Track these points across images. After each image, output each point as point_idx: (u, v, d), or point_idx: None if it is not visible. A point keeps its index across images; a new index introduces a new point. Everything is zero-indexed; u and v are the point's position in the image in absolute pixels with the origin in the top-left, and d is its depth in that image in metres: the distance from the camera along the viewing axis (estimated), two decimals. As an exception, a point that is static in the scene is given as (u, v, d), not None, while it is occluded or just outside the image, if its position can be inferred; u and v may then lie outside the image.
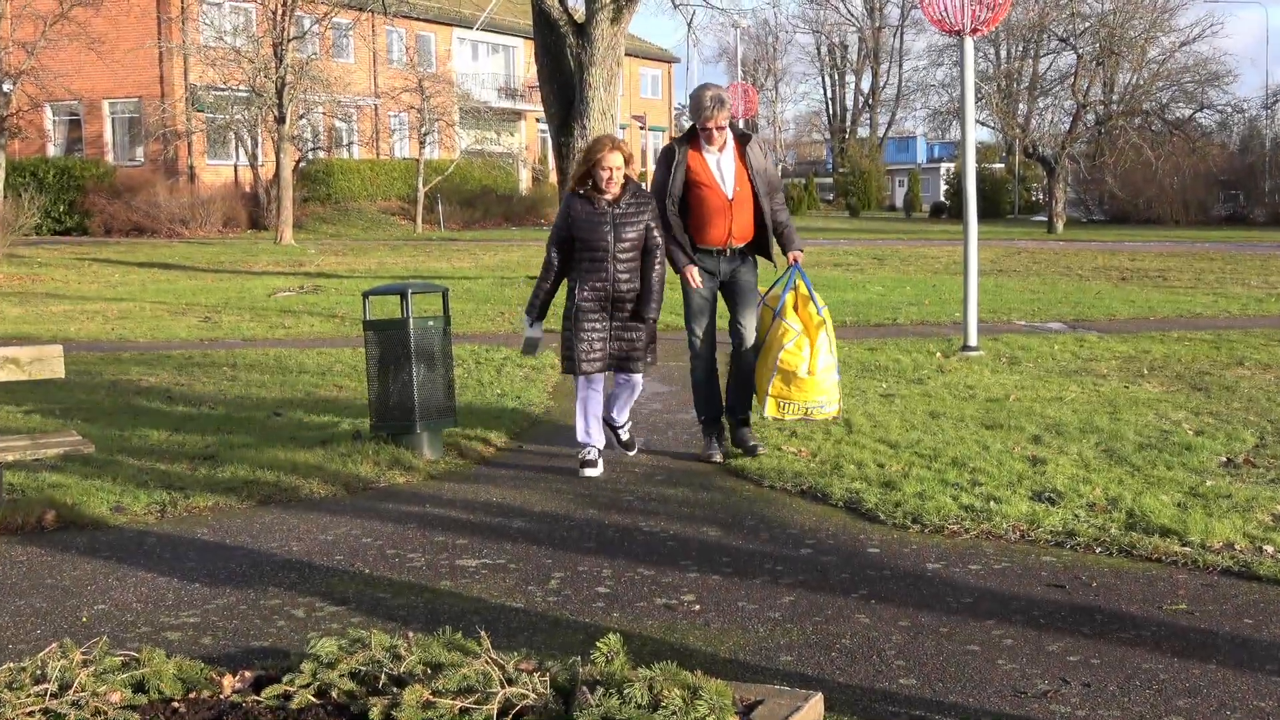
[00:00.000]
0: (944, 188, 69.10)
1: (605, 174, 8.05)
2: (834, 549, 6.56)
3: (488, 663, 3.83)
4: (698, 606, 5.67)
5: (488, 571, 6.24)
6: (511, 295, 20.59)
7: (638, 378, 8.42)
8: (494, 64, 61.76)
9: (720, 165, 8.44)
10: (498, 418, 10.03)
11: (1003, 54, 59.01)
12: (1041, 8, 54.02)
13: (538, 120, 55.54)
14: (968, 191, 13.48)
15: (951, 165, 71.42)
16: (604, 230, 8.06)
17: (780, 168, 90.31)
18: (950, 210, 57.72)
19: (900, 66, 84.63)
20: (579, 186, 8.20)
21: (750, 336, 8.61)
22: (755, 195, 8.46)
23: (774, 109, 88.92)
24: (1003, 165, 64.75)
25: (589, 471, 8.29)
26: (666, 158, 8.55)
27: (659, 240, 8.21)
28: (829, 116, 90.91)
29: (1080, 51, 52.30)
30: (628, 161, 8.15)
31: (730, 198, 8.40)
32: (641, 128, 63.37)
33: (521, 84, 59.63)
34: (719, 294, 8.74)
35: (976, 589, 5.85)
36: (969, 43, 13.13)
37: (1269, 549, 6.18)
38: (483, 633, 4.01)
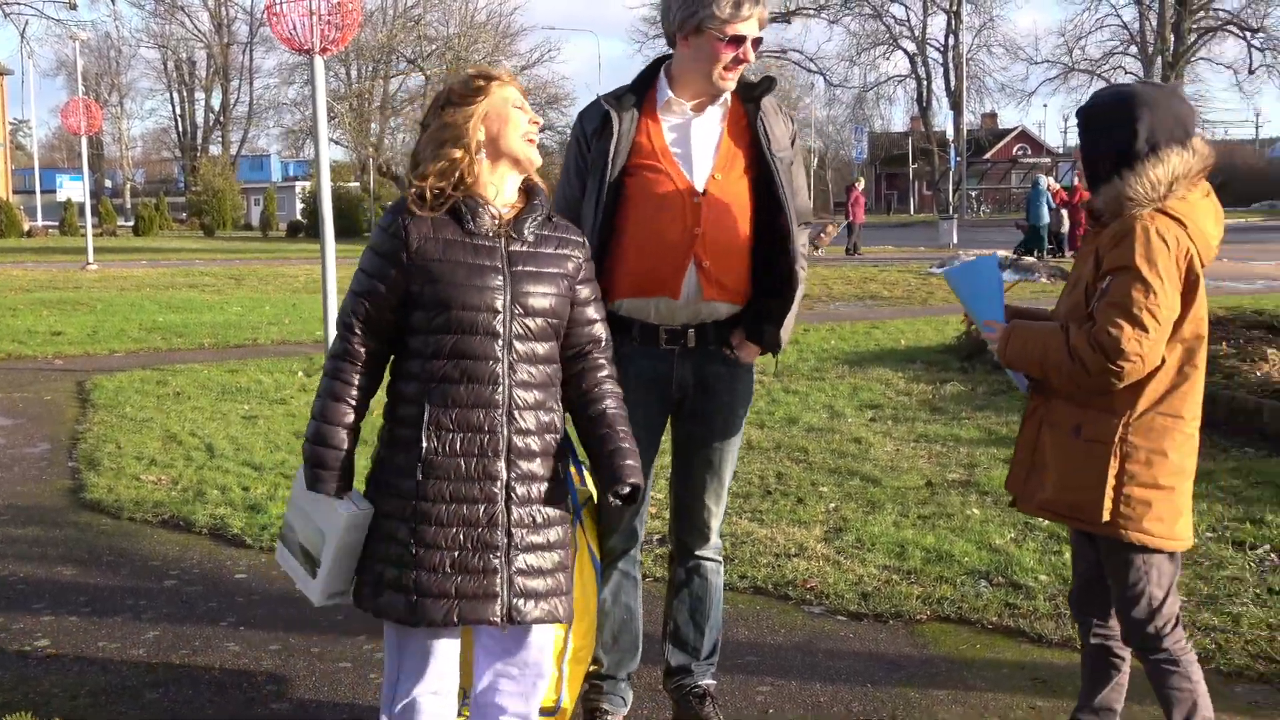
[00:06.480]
0: (300, 206, 68.86)
1: (525, 129, 3.62)
2: (200, 578, 6.38)
3: None
4: (54, 651, 5.34)
5: None
6: None
7: (538, 641, 3.69)
8: None
9: (693, 137, 4.21)
10: None
11: (354, 73, 59.74)
12: (390, 30, 55.15)
13: None
14: (323, 210, 13.48)
15: (307, 183, 71.30)
16: (491, 283, 3.52)
17: (129, 186, 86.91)
18: (307, 229, 57.53)
19: (251, 84, 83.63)
20: (437, 184, 3.58)
21: (717, 530, 4.51)
22: (761, 201, 4.23)
23: (120, 126, 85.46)
24: (358, 184, 65.36)
25: None
26: (586, 132, 4.22)
27: (603, 328, 3.79)
28: (179, 134, 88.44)
29: (428, 73, 53.81)
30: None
31: (700, 189, 4.16)
32: (-28, 144, 58.96)
33: None
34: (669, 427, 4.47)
35: (345, 606, 5.86)
36: (319, 61, 13.15)
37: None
38: None
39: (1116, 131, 3.64)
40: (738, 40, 4.06)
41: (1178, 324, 3.59)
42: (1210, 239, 3.65)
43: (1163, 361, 3.59)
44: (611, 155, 4.13)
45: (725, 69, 4.09)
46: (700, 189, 4.14)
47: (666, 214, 4.13)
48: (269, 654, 5.28)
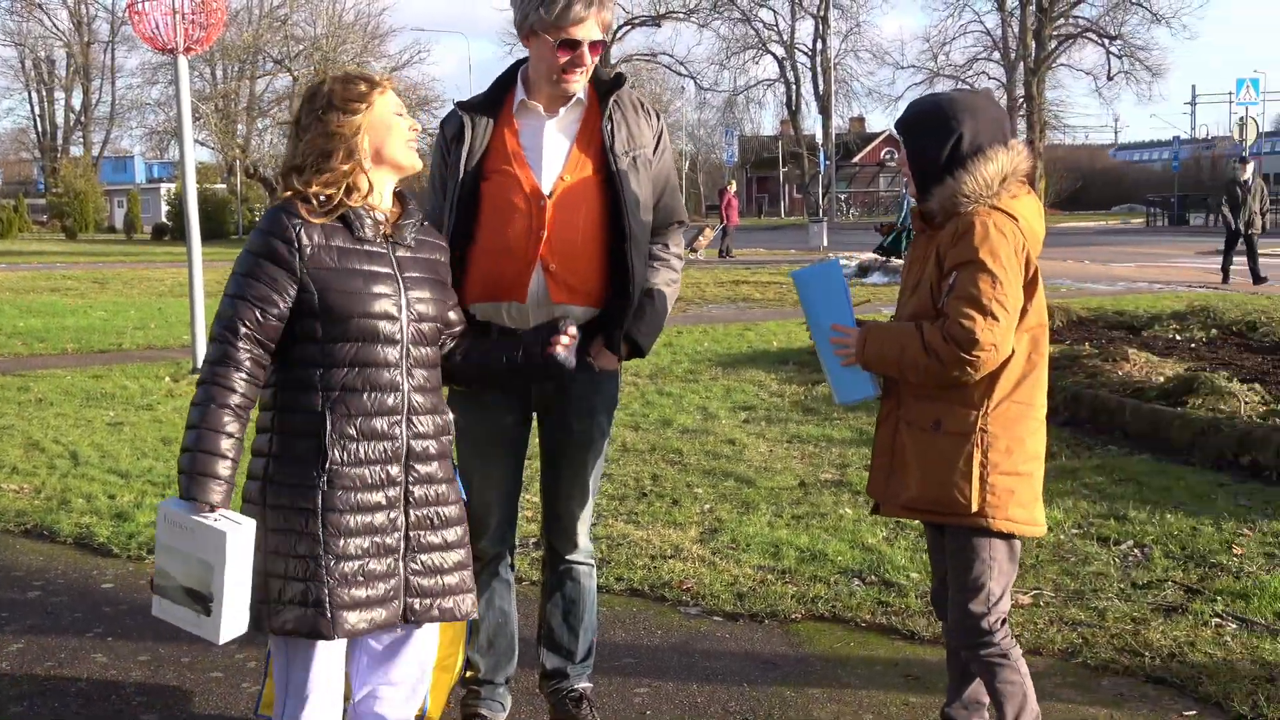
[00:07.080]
0: (165, 208, 67.63)
1: (407, 135, 3.58)
2: (65, 588, 6.24)
3: None
4: (-88, 666, 5.19)
5: None
6: None
7: (422, 644, 3.66)
8: None
9: (545, 139, 4.15)
10: None
11: (219, 74, 58.79)
12: (256, 29, 54.46)
13: None
14: (189, 212, 13.28)
15: (172, 185, 69.98)
16: (388, 290, 3.48)
17: None
18: (173, 231, 56.51)
19: (114, 84, 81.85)
20: (324, 191, 3.45)
21: (585, 534, 4.49)
22: (611, 202, 4.15)
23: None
24: (225, 186, 64.37)
25: None
26: (446, 138, 4.19)
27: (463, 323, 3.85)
28: (38, 134, 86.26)
29: (295, 74, 53.20)
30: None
31: (547, 192, 4.09)
32: None
33: None
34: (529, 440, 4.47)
35: (218, 614, 5.78)
36: (183, 61, 12.95)
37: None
38: None
39: (942, 136, 3.73)
40: (571, 44, 3.97)
41: (1022, 314, 3.69)
42: (1038, 234, 3.77)
43: (1013, 351, 3.68)
44: (464, 161, 4.08)
45: (563, 72, 4.02)
46: (547, 191, 4.06)
47: (512, 217, 4.06)
48: (138, 665, 5.18)
